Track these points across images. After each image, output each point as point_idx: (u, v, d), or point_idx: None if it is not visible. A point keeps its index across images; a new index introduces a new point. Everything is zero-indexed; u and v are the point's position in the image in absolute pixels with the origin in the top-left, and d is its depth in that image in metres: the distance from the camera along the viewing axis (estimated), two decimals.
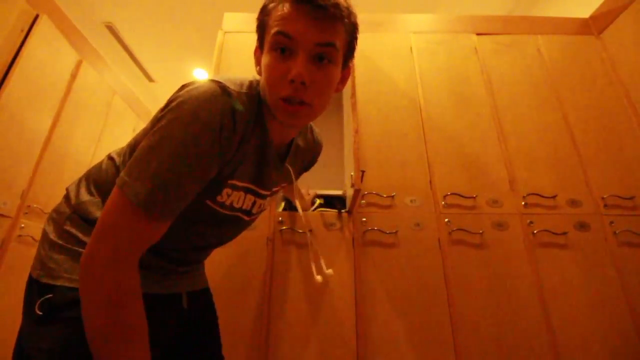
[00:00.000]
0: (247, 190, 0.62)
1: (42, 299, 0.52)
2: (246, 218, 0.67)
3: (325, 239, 1.23)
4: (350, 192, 1.15)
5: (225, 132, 0.50)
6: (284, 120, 0.56)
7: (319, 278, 0.79)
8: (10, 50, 1.58)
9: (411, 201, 1.30)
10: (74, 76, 1.98)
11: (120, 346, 0.44)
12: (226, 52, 1.56)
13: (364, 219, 1.26)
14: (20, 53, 1.60)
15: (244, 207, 0.64)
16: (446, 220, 1.26)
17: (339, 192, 1.46)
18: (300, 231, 1.22)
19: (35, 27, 1.67)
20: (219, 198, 0.58)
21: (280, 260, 1.19)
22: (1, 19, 1.53)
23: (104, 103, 2.33)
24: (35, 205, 1.69)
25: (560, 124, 1.44)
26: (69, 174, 1.96)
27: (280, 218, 1.25)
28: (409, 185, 1.32)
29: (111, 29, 2.89)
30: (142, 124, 2.83)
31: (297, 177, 0.79)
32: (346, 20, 0.54)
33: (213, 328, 0.80)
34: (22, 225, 1.62)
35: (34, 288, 0.55)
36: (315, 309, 1.13)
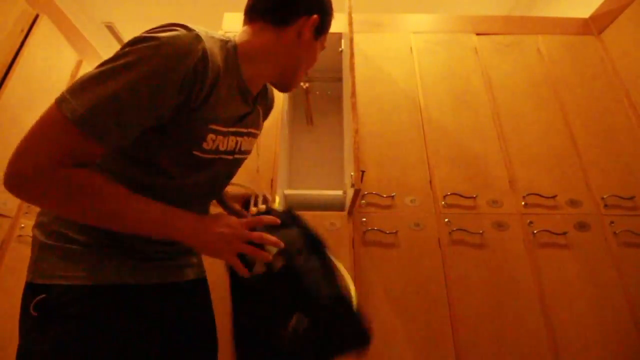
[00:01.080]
0: (229, 133, 0.64)
1: (37, 299, 0.52)
2: (229, 157, 0.68)
3: (325, 239, 1.22)
4: (350, 192, 1.15)
5: (188, 78, 0.50)
6: (294, 84, 0.74)
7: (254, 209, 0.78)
8: (11, 50, 1.58)
9: (411, 201, 1.30)
10: (74, 76, 1.98)
11: (103, 212, 0.49)
12: None
13: (364, 219, 1.26)
14: (21, 53, 1.60)
15: (228, 149, 0.66)
16: (446, 220, 1.26)
17: (339, 192, 1.46)
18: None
19: (35, 27, 1.67)
20: (205, 145, 0.59)
21: None
22: (1, 19, 1.53)
23: None
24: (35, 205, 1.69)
25: (560, 124, 1.44)
26: None
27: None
28: (409, 185, 1.32)
29: (111, 29, 2.89)
30: None
31: (258, 123, 0.81)
32: None
33: (212, 327, 0.77)
34: (22, 225, 1.62)
35: (28, 291, 0.55)
36: None
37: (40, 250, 0.57)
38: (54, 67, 1.82)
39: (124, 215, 0.50)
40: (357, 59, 1.56)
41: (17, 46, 1.60)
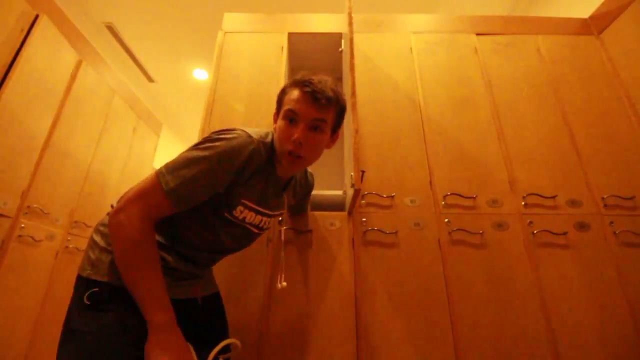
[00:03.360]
0: (256, 211, 0.85)
1: (90, 291, 0.68)
2: (255, 231, 0.90)
3: (325, 239, 1.23)
4: (350, 192, 1.15)
5: (242, 165, 0.76)
6: (286, 167, 0.83)
7: (284, 284, 0.98)
8: (10, 50, 1.58)
9: (411, 201, 1.30)
10: (74, 76, 1.98)
11: (138, 271, 0.65)
12: (226, 52, 1.56)
13: (364, 219, 1.26)
14: (20, 53, 1.60)
15: (254, 222, 0.87)
16: (446, 220, 1.26)
17: (339, 192, 1.46)
18: (303, 230, 1.23)
19: (35, 27, 1.67)
20: (234, 212, 0.81)
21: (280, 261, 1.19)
22: (1, 19, 1.53)
23: (104, 103, 2.33)
24: (35, 205, 1.69)
25: (560, 124, 1.45)
26: (69, 174, 1.96)
27: (280, 218, 1.25)
28: (409, 185, 1.32)
29: (111, 29, 2.89)
30: (142, 124, 2.83)
31: (290, 205, 1.12)
32: (334, 105, 0.83)
33: (224, 332, 0.92)
34: (22, 225, 1.62)
35: (83, 283, 0.70)
36: (315, 308, 1.13)
37: (100, 252, 0.73)
38: (54, 67, 1.82)
39: (137, 279, 0.65)
40: (357, 59, 1.56)
41: (17, 46, 1.61)
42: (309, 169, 1.14)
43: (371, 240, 1.23)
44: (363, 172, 1.19)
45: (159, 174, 0.70)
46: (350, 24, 1.25)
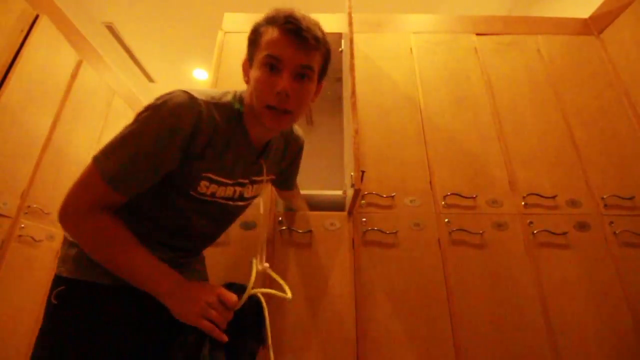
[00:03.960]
0: (226, 184, 0.73)
1: (57, 290, 0.64)
2: (231, 203, 0.78)
3: (325, 239, 1.23)
4: (350, 192, 1.15)
5: (187, 137, 0.63)
6: (269, 126, 0.69)
7: (266, 265, 0.89)
8: (11, 50, 1.58)
9: (411, 201, 1.30)
10: (74, 76, 1.98)
11: (116, 259, 0.61)
12: (226, 52, 1.56)
13: (364, 219, 1.26)
14: (20, 53, 1.60)
15: (228, 195, 0.76)
16: (446, 220, 1.26)
17: (339, 192, 1.46)
18: (301, 231, 1.23)
19: (35, 27, 1.67)
20: (199, 189, 0.70)
21: (280, 260, 1.19)
22: (1, 19, 1.53)
23: (104, 103, 2.33)
24: (35, 205, 1.69)
25: (560, 124, 1.44)
26: (68, 174, 1.96)
27: (280, 218, 1.25)
28: (409, 185, 1.32)
29: (111, 29, 2.89)
30: None
31: (275, 171, 0.93)
32: (322, 49, 0.70)
33: None
34: (22, 225, 1.62)
35: (54, 282, 0.66)
36: (315, 309, 1.13)
37: (69, 247, 0.68)
38: (54, 67, 1.82)
39: (122, 263, 0.61)
40: (357, 59, 1.56)
41: (17, 46, 1.61)
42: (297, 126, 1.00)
43: (371, 241, 1.23)
44: (363, 172, 1.19)
45: (95, 159, 0.60)
46: (351, 24, 1.25)
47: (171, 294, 0.60)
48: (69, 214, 0.60)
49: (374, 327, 1.11)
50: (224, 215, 0.82)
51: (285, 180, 1.07)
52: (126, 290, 0.63)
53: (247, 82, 0.72)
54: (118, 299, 0.64)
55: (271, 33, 0.66)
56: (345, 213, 1.27)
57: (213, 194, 0.72)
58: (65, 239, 0.70)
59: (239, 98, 0.73)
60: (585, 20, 1.70)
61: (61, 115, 1.87)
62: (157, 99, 0.62)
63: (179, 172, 0.66)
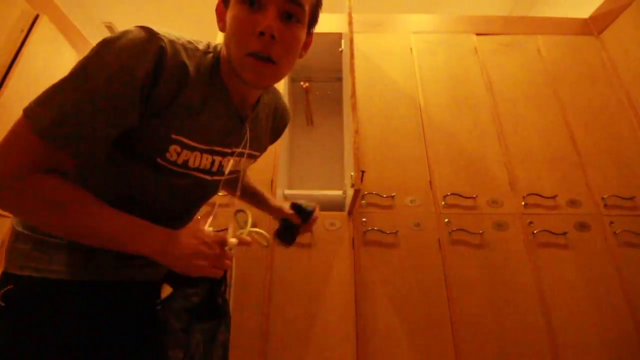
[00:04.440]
0: (202, 150, 0.59)
1: (4, 289, 0.52)
2: (208, 177, 0.63)
3: (325, 239, 1.23)
4: (350, 192, 1.15)
5: (147, 79, 0.48)
6: (248, 79, 0.54)
7: (233, 241, 0.65)
8: (11, 50, 1.58)
9: (411, 201, 1.30)
10: None
11: (68, 222, 0.47)
12: None
13: (364, 219, 1.26)
14: (21, 53, 1.60)
15: (201, 167, 0.60)
16: (446, 220, 1.26)
17: (339, 192, 1.46)
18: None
19: (35, 27, 1.67)
20: (167, 155, 0.55)
21: (281, 260, 1.19)
22: (1, 19, 1.53)
23: None
24: None
25: (560, 124, 1.44)
26: None
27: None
28: (409, 185, 1.32)
29: (111, 29, 2.89)
30: None
31: (257, 146, 0.74)
32: None
33: None
34: None
35: (1, 280, 0.54)
36: (315, 308, 1.13)
37: (16, 239, 0.56)
38: (54, 67, 1.82)
39: (90, 224, 0.48)
40: (357, 59, 1.56)
41: (17, 46, 1.60)
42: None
43: (371, 240, 1.23)
44: (363, 172, 1.19)
45: (27, 109, 0.46)
46: (351, 23, 1.26)
47: (162, 253, 0.51)
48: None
49: (374, 326, 1.11)
50: (198, 193, 0.67)
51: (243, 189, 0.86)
52: (89, 286, 0.54)
53: (222, 29, 0.58)
54: (78, 298, 0.53)
55: None
56: (345, 213, 1.27)
57: (185, 163, 0.57)
58: (12, 228, 0.58)
59: (214, 48, 0.59)
60: (585, 20, 1.70)
61: None
62: (111, 36, 0.49)
63: (140, 132, 0.52)
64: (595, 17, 1.67)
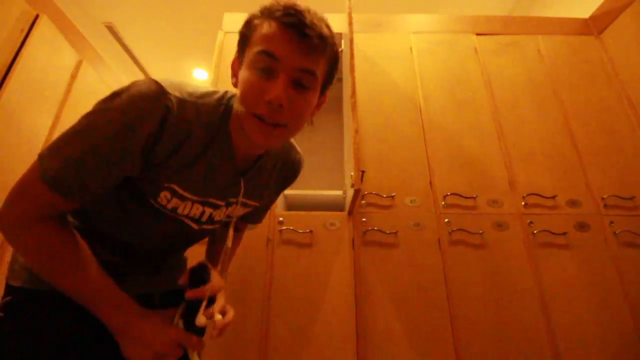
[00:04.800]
0: (193, 201, 0.61)
1: (4, 300, 0.55)
2: (194, 226, 0.65)
3: (325, 239, 1.23)
4: (350, 192, 1.15)
5: (150, 137, 0.51)
6: (254, 139, 0.55)
7: (218, 317, 0.62)
8: (10, 50, 1.58)
9: (411, 201, 1.30)
10: (74, 76, 1.98)
11: (61, 279, 0.51)
12: (226, 52, 1.56)
13: (364, 219, 1.26)
14: (20, 53, 1.59)
15: (191, 215, 0.62)
16: (446, 220, 1.26)
17: (339, 192, 1.46)
18: (301, 231, 1.23)
19: (35, 27, 1.67)
20: (158, 199, 0.58)
21: (280, 260, 1.19)
22: (1, 19, 1.53)
23: None
24: None
25: (560, 124, 1.45)
26: None
27: (280, 218, 1.25)
28: (409, 185, 1.32)
29: (111, 29, 2.89)
30: None
31: (257, 196, 0.74)
32: (328, 51, 0.56)
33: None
34: None
35: (5, 291, 0.57)
36: (315, 308, 1.13)
37: (14, 250, 0.59)
38: (54, 67, 1.82)
39: (75, 286, 0.51)
40: (357, 59, 1.56)
41: (17, 46, 1.60)
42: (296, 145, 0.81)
43: (371, 241, 1.23)
44: (363, 172, 1.19)
45: (40, 156, 0.49)
46: (350, 23, 1.26)
47: (121, 332, 0.52)
48: (8, 224, 0.49)
49: (374, 326, 1.11)
50: (181, 236, 0.68)
51: (257, 213, 0.83)
52: None
53: (235, 84, 0.59)
54: (70, 306, 0.54)
55: (267, 27, 0.53)
56: (345, 213, 1.27)
57: (174, 209, 0.60)
58: None
59: (228, 100, 0.61)
60: (585, 20, 1.70)
61: (61, 116, 1.86)
62: (124, 87, 0.51)
63: (137, 175, 0.55)
64: (595, 17, 1.67)
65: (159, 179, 0.56)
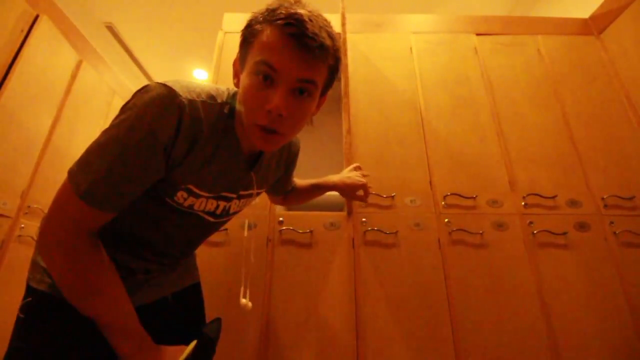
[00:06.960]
0: (207, 197, 0.64)
1: (24, 302, 0.57)
2: (211, 219, 0.69)
3: (325, 239, 1.23)
4: None
5: (168, 138, 0.53)
6: (257, 145, 0.59)
7: (249, 304, 0.81)
8: (11, 50, 1.58)
9: (411, 201, 1.30)
10: (74, 76, 1.98)
11: (88, 300, 0.52)
12: (226, 52, 1.56)
13: (364, 220, 1.26)
14: (20, 53, 1.60)
15: (206, 209, 0.67)
16: (446, 220, 1.26)
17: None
18: (300, 231, 1.23)
19: (35, 27, 1.67)
20: (175, 198, 0.61)
21: (280, 260, 1.19)
22: (1, 19, 1.53)
23: (104, 103, 2.33)
24: (35, 206, 1.69)
25: (560, 124, 1.44)
26: None
27: (280, 218, 1.25)
28: (409, 185, 1.32)
29: (111, 29, 2.89)
30: None
31: (268, 183, 0.83)
32: (330, 60, 0.57)
33: (199, 326, 0.79)
34: (22, 225, 1.62)
35: (25, 292, 0.59)
36: (315, 308, 1.13)
37: (37, 253, 0.61)
38: (54, 67, 1.82)
39: (99, 308, 0.53)
40: (357, 59, 1.56)
41: (17, 46, 1.60)
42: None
43: (371, 241, 1.23)
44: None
45: (70, 173, 0.52)
46: (344, 24, 1.26)
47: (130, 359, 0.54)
48: (48, 243, 0.51)
49: (374, 326, 1.11)
50: (199, 229, 0.72)
51: (282, 185, 0.95)
52: None
53: (237, 85, 0.62)
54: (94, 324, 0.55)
55: (268, 34, 0.53)
56: (345, 213, 1.27)
57: (191, 206, 0.64)
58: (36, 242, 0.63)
59: (231, 99, 0.63)
60: (585, 20, 1.70)
61: (61, 115, 1.87)
62: (134, 95, 0.53)
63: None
64: (595, 17, 1.67)
65: (176, 180, 0.58)
